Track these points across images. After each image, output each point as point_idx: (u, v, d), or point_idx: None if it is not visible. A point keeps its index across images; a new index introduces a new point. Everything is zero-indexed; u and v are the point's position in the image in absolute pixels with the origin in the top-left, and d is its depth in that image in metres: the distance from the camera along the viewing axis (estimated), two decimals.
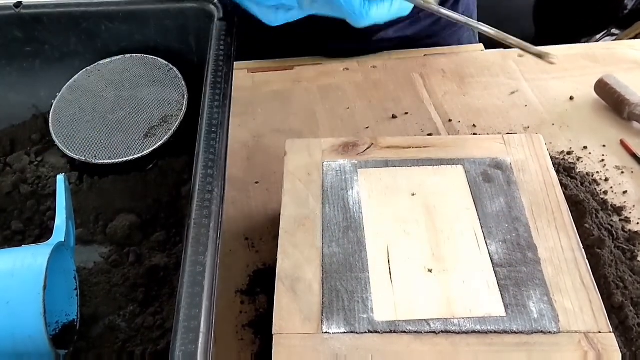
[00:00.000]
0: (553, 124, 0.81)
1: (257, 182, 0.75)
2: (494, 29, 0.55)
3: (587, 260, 0.52)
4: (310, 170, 0.61)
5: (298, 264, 0.53)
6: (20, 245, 0.58)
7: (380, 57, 0.92)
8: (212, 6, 0.69)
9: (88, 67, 0.73)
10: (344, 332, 0.48)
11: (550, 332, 0.47)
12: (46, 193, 0.67)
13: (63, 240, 0.55)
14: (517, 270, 0.51)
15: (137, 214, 0.65)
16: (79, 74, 0.73)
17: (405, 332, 0.47)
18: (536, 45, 0.95)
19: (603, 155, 0.76)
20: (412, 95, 0.87)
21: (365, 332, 0.48)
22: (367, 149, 0.62)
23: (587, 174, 0.74)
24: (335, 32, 0.71)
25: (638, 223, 0.68)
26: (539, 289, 0.50)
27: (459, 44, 0.96)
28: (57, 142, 0.68)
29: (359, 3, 0.51)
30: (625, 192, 0.71)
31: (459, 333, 0.47)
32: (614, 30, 1.65)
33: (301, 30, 0.63)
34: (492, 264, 0.52)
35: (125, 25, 0.72)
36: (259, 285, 0.63)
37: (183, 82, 0.70)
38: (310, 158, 0.62)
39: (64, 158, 0.70)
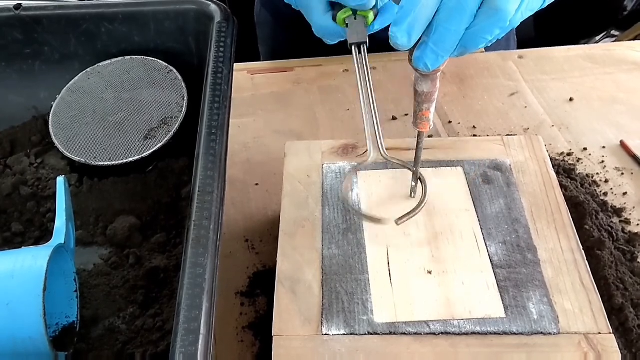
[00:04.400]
0: (553, 126, 0.81)
1: (257, 184, 0.75)
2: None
3: (587, 262, 0.52)
4: (310, 172, 0.61)
5: (298, 266, 0.53)
6: (20, 247, 0.58)
7: (380, 59, 0.92)
8: (212, 8, 0.69)
9: (88, 69, 0.73)
10: (344, 334, 0.48)
11: (550, 334, 0.47)
12: (46, 195, 0.67)
13: (63, 242, 0.55)
14: (516, 271, 0.51)
15: (137, 215, 0.65)
16: (78, 75, 0.73)
17: (405, 333, 0.47)
18: (536, 46, 0.96)
19: (603, 156, 0.76)
20: (412, 96, 0.86)
21: (365, 334, 0.48)
22: (366, 151, 0.62)
23: (587, 175, 0.74)
24: None
25: (638, 224, 0.68)
26: (539, 290, 0.50)
27: None
28: (57, 143, 0.68)
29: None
30: (625, 193, 0.71)
31: (458, 334, 0.47)
32: (613, 32, 1.65)
33: None
34: (492, 265, 0.52)
35: (125, 27, 0.72)
36: (259, 286, 0.63)
37: (183, 84, 0.70)
38: (310, 160, 0.62)
39: (63, 160, 0.70)
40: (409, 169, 0.56)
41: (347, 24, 0.51)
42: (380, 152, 0.51)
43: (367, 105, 0.50)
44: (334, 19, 0.52)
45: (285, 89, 0.89)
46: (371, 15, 0.51)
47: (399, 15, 0.42)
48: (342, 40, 0.54)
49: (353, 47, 0.51)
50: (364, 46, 0.50)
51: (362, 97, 0.50)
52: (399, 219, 0.53)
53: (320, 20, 0.53)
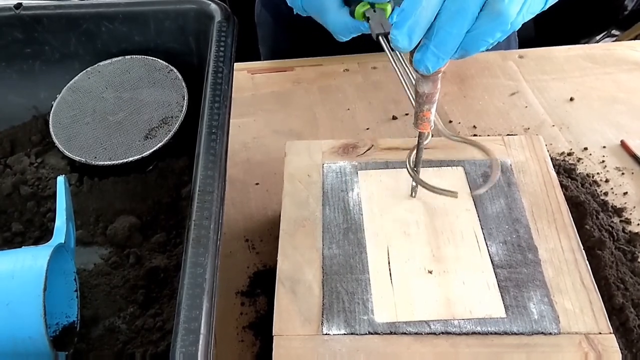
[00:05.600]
0: (553, 125, 0.81)
1: (257, 184, 0.75)
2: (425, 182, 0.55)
3: (587, 262, 0.52)
4: (311, 172, 0.61)
5: (298, 266, 0.53)
6: (20, 247, 0.58)
7: (381, 58, 0.92)
8: (212, 7, 0.69)
9: (88, 69, 0.73)
10: (344, 334, 0.48)
11: (550, 333, 0.47)
12: (46, 194, 0.67)
13: (63, 241, 0.55)
14: (517, 271, 0.51)
15: (137, 215, 0.65)
16: (79, 75, 0.73)
17: (405, 333, 0.47)
18: (536, 46, 0.96)
19: (603, 156, 0.76)
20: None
21: (366, 334, 0.48)
22: (367, 151, 0.62)
23: (587, 175, 0.74)
24: None
25: (638, 224, 0.68)
26: (540, 290, 0.50)
27: None
28: (57, 143, 0.68)
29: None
30: (625, 193, 0.71)
31: (459, 334, 0.47)
32: (614, 31, 1.65)
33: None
34: (493, 265, 0.52)
35: (125, 26, 0.72)
36: (259, 286, 0.63)
37: (183, 84, 0.70)
38: (310, 160, 0.62)
39: (64, 159, 0.70)
40: (478, 145, 0.55)
41: (367, 18, 0.51)
42: (442, 132, 0.51)
43: (409, 89, 0.50)
44: (352, 14, 0.52)
45: (285, 88, 0.89)
46: (389, 8, 0.51)
47: (400, 18, 0.42)
48: (357, 35, 0.54)
49: (380, 38, 0.50)
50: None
51: (405, 84, 0.50)
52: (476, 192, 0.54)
53: (337, 17, 0.53)
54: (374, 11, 0.51)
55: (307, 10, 0.55)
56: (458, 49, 0.44)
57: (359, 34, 0.54)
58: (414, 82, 0.48)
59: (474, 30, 0.43)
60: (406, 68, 0.49)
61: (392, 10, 0.52)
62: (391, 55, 0.50)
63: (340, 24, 0.53)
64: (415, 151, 0.55)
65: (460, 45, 0.43)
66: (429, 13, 0.42)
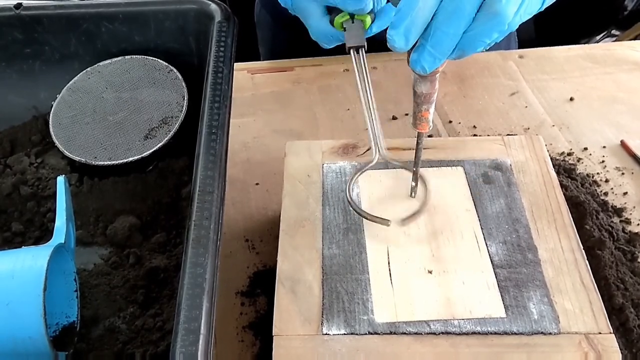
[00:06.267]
0: (553, 125, 0.81)
1: (257, 184, 0.75)
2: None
3: (587, 262, 0.52)
4: (310, 172, 0.61)
5: (298, 266, 0.53)
6: (20, 247, 0.58)
7: (381, 58, 0.92)
8: (212, 7, 0.69)
9: (88, 69, 0.73)
10: (344, 334, 0.48)
11: (550, 333, 0.47)
12: (46, 194, 0.67)
13: (63, 241, 0.55)
14: (517, 271, 0.51)
15: (137, 215, 0.65)
16: (79, 75, 0.73)
17: (405, 333, 0.47)
18: (536, 46, 0.96)
19: (603, 156, 0.76)
20: (412, 96, 0.86)
21: (366, 334, 0.48)
22: (367, 151, 0.62)
23: (587, 175, 0.74)
24: None
25: (638, 224, 0.68)
26: (539, 290, 0.50)
27: None
28: (57, 143, 0.68)
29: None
30: (625, 193, 0.71)
31: (459, 334, 0.47)
32: (614, 31, 1.65)
33: None
34: (492, 265, 0.52)
35: (125, 26, 0.72)
36: (259, 286, 0.63)
37: (183, 84, 0.70)
38: (310, 160, 0.62)
39: (64, 159, 0.70)
40: (409, 169, 0.56)
41: (344, 28, 0.51)
42: (380, 153, 0.52)
43: (368, 108, 0.50)
44: (332, 23, 0.52)
45: (285, 88, 0.89)
46: (368, 19, 0.52)
47: (397, 18, 0.42)
48: (338, 44, 0.54)
49: (352, 51, 0.51)
50: (362, 49, 0.50)
51: (363, 99, 0.50)
52: (404, 219, 0.53)
53: (317, 24, 0.53)
54: (352, 22, 0.51)
55: (295, 12, 0.55)
56: (455, 50, 0.44)
57: (341, 43, 0.54)
58: (374, 101, 0.49)
59: (470, 30, 0.43)
60: (370, 87, 0.50)
61: (372, 22, 0.52)
62: (357, 70, 0.50)
63: (321, 31, 0.53)
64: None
65: (457, 45, 0.43)
66: (425, 13, 0.42)
